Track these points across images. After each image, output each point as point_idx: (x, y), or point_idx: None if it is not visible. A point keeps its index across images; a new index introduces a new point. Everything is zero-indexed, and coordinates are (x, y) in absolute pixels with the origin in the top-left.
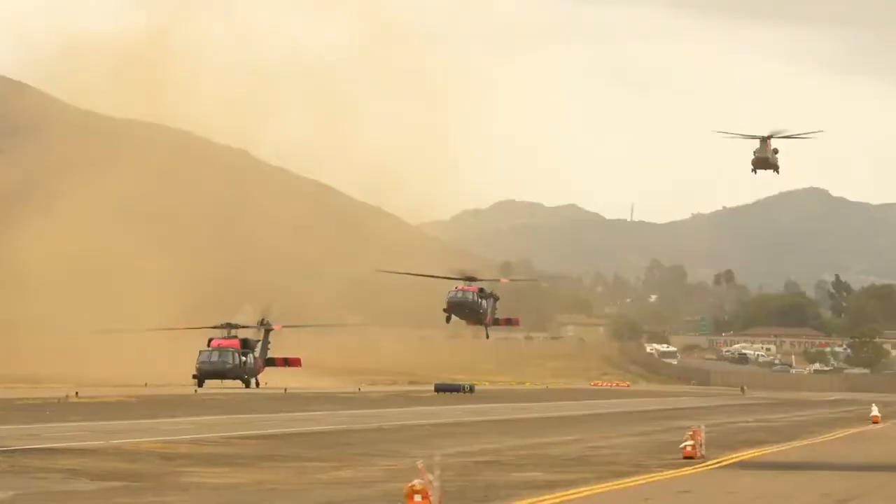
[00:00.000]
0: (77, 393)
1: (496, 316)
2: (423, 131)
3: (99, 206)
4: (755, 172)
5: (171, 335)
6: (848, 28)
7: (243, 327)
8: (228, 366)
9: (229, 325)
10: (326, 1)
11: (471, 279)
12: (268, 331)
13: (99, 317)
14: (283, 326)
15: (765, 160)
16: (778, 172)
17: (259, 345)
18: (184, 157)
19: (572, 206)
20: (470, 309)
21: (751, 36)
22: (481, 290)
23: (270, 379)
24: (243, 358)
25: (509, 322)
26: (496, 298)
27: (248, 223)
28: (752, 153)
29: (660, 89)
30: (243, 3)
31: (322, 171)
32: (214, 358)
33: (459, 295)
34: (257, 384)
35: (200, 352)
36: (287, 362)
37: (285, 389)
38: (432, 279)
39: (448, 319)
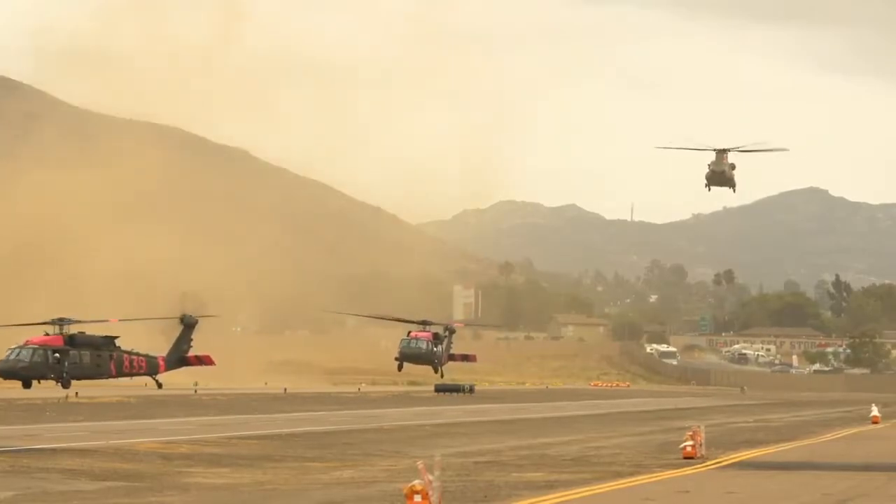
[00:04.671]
0: (77, 393)
1: (451, 352)
2: (424, 132)
3: (97, 205)
4: (709, 189)
5: (169, 333)
6: (848, 28)
7: (76, 322)
8: (21, 364)
9: (62, 322)
10: (329, 3)
11: (425, 323)
12: (188, 326)
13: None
14: (201, 317)
15: (720, 174)
16: (734, 190)
17: (110, 343)
18: (183, 156)
19: (572, 206)
20: (424, 359)
21: (751, 36)
22: (436, 335)
23: (271, 380)
24: (56, 355)
25: (466, 358)
26: (452, 332)
27: (247, 223)
28: (707, 166)
29: (660, 89)
30: (247, 4)
31: (322, 171)
32: (12, 357)
33: (413, 344)
34: (159, 385)
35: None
36: (200, 360)
37: (285, 389)
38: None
39: (400, 368)
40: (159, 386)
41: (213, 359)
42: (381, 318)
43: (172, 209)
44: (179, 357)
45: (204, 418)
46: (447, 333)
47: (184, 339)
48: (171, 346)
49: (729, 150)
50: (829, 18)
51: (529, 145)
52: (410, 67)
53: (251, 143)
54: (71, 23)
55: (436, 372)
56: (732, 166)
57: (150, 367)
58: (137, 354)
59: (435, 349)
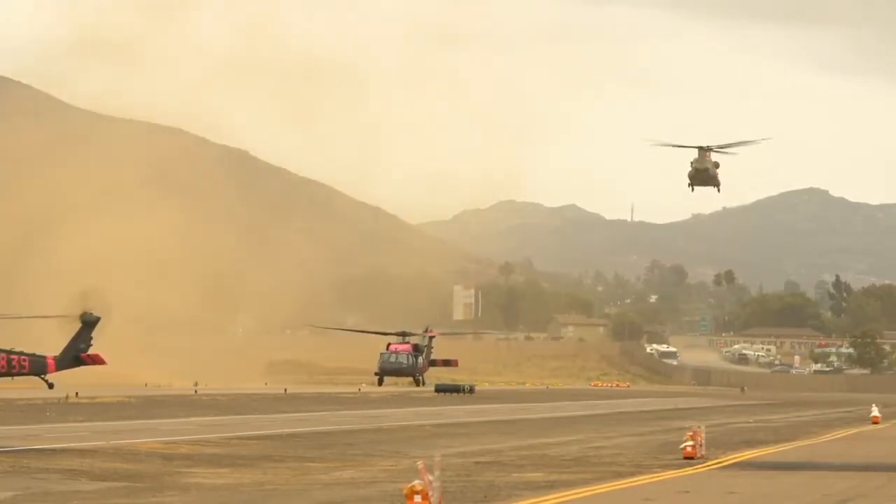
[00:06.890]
0: (77, 393)
1: (433, 358)
2: (424, 133)
3: (97, 204)
4: (692, 189)
5: (163, 335)
6: (848, 28)
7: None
8: None
9: None
10: (330, 5)
11: (404, 335)
12: (87, 324)
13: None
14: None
15: (703, 172)
16: (719, 189)
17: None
18: (182, 156)
19: (572, 206)
20: (405, 372)
21: (751, 36)
22: (415, 346)
23: (271, 380)
24: None
25: (447, 363)
26: (432, 337)
27: (247, 224)
28: (690, 164)
29: (660, 89)
30: (250, 4)
31: (323, 172)
32: None
33: (393, 359)
34: (49, 385)
35: None
36: (93, 360)
37: (285, 390)
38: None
39: (380, 382)
40: (50, 386)
41: (104, 358)
42: (359, 332)
43: (171, 210)
44: (75, 356)
45: (204, 418)
46: (427, 341)
47: (81, 338)
48: (67, 343)
49: (711, 149)
50: (829, 18)
51: (529, 145)
52: (410, 69)
53: (251, 144)
54: (72, 21)
55: (417, 384)
56: (716, 165)
57: (35, 367)
58: (20, 354)
59: (415, 361)
